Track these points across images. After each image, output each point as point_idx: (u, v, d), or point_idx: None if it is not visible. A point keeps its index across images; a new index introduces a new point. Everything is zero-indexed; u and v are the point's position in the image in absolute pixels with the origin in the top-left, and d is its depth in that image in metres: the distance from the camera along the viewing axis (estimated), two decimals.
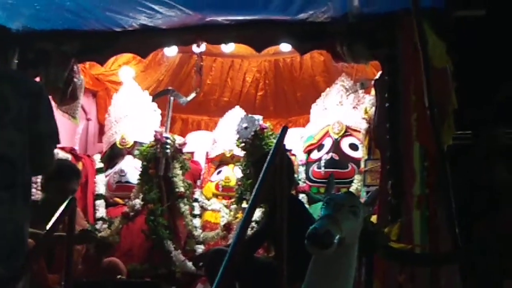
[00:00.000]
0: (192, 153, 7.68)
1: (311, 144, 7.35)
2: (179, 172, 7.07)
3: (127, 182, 7.28)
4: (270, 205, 5.59)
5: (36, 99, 4.12)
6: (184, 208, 6.99)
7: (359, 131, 7.08)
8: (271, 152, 4.40)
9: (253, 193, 4.10)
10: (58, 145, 6.62)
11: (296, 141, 7.44)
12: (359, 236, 3.96)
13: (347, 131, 7.20)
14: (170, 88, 7.63)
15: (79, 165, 7.22)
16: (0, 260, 3.90)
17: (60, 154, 6.97)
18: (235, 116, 7.47)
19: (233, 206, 7.07)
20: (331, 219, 3.64)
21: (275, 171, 4.38)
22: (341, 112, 7.30)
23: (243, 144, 7.09)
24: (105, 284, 5.55)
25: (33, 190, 6.47)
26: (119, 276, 6.06)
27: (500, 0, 6.20)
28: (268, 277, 4.67)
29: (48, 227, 4.38)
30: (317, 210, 5.82)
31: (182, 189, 7.02)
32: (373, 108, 6.24)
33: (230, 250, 3.71)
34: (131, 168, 7.33)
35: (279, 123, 7.92)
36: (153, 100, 7.62)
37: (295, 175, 6.85)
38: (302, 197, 6.98)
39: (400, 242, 5.19)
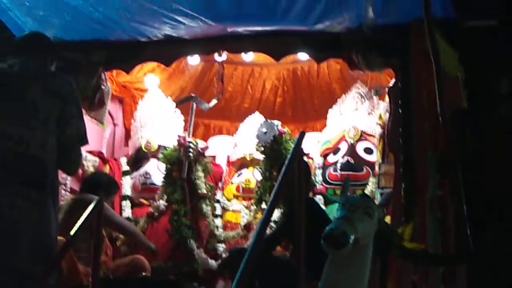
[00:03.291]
0: (214, 156, 7.68)
1: (328, 148, 7.35)
2: (201, 174, 7.07)
3: (152, 184, 7.29)
4: (288, 206, 5.61)
5: (66, 101, 4.14)
6: (206, 208, 6.99)
7: (373, 136, 7.08)
8: (289, 156, 4.41)
9: (272, 195, 4.11)
10: (87, 149, 6.80)
11: (313, 145, 7.44)
12: (374, 236, 3.96)
13: (362, 136, 7.20)
14: (193, 95, 7.64)
15: (106, 168, 7.29)
16: (40, 260, 3.93)
17: (88, 157, 7.03)
18: (255, 122, 7.49)
19: (253, 207, 7.09)
20: (346, 220, 3.64)
21: (293, 174, 4.39)
22: (356, 117, 7.30)
23: (262, 148, 7.11)
24: (130, 282, 5.55)
25: (63, 191, 6.61)
26: (143, 274, 6.08)
27: None
28: (287, 275, 4.68)
29: (77, 225, 4.39)
30: (333, 211, 5.80)
31: (204, 191, 7.02)
32: (387, 114, 6.24)
33: (250, 249, 3.73)
34: (155, 170, 7.34)
35: (297, 128, 7.91)
36: (176, 107, 7.64)
37: (312, 178, 6.86)
38: (319, 198, 6.98)
39: (413, 242, 5.18)
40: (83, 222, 4.43)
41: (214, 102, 7.49)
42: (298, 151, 4.54)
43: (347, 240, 3.55)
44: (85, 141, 4.28)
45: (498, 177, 5.27)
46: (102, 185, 6.24)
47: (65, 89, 4.20)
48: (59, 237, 4.51)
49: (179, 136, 7.12)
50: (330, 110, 7.59)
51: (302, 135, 4.64)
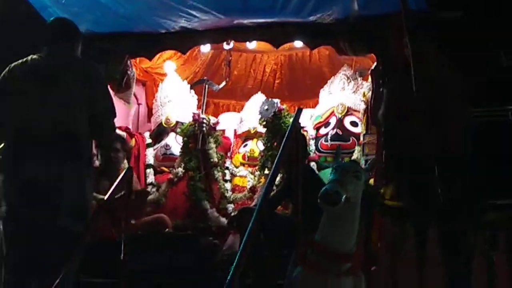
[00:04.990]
0: (223, 130, 7.66)
1: (320, 122, 7.33)
2: (213, 145, 7.08)
3: (171, 154, 7.29)
4: (288, 171, 5.63)
5: (93, 83, 4.17)
6: (218, 174, 7.01)
7: (358, 111, 7.04)
8: (288, 129, 4.42)
9: (275, 162, 4.13)
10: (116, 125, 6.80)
11: (307, 119, 7.43)
12: (361, 196, 3.99)
13: (349, 111, 7.17)
14: (205, 78, 7.65)
15: (132, 141, 7.30)
16: (77, 219, 3.98)
17: (117, 132, 7.02)
18: (257, 100, 7.47)
19: (257, 173, 7.07)
20: (338, 182, 3.67)
21: (292, 144, 4.40)
22: (343, 95, 7.27)
23: (264, 123, 7.09)
24: (155, 236, 5.59)
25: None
26: (167, 230, 6.11)
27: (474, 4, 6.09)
28: (288, 229, 4.72)
29: (110, 191, 4.41)
30: (325, 175, 5.83)
31: (215, 159, 7.03)
32: (370, 92, 6.24)
33: (258, 207, 3.76)
34: (174, 142, 7.34)
35: (293, 106, 7.89)
36: (191, 88, 7.62)
37: (308, 148, 6.86)
38: (313, 165, 6.97)
39: (392, 200, 5.21)
40: (115, 188, 4.45)
41: (223, 84, 7.53)
42: (296, 125, 4.55)
43: (340, 198, 3.58)
44: (113, 114, 4.30)
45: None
46: None
47: (91, 73, 4.24)
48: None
49: (193, 113, 7.12)
50: (321, 90, 7.57)
51: (299, 111, 4.64)
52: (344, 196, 3.60)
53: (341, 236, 3.75)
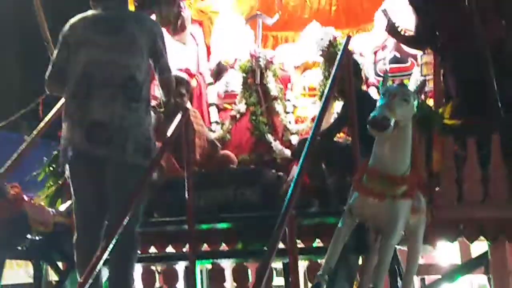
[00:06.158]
0: (281, 63, 7.68)
1: (377, 46, 7.27)
2: (272, 79, 7.15)
3: (232, 91, 7.39)
4: (344, 98, 5.67)
5: (156, 37, 4.39)
6: (279, 107, 7.08)
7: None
8: (338, 56, 4.46)
9: (326, 90, 4.20)
10: (176, 67, 6.94)
11: (365, 44, 7.37)
12: (415, 118, 4.02)
13: (406, 32, 7.05)
14: (257, 12, 7.68)
15: (194, 82, 7.39)
16: (143, 156, 4.15)
17: (178, 73, 7.13)
18: (313, 29, 7.44)
19: (318, 102, 7.12)
20: (386, 106, 3.69)
21: (343, 71, 4.45)
22: (399, 16, 7.14)
23: (321, 52, 7.09)
24: (220, 173, 5.73)
25: None
26: (231, 166, 6.25)
27: None
28: (346, 155, 4.82)
29: (168, 134, 4.53)
30: None
31: (275, 93, 7.11)
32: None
33: (310, 137, 3.86)
34: (234, 79, 7.43)
35: (351, 31, 7.82)
36: (246, 23, 7.66)
37: (361, 73, 6.81)
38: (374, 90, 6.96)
39: (452, 119, 5.21)
40: (173, 130, 4.58)
41: (276, 17, 7.52)
42: (346, 51, 4.58)
43: (388, 123, 3.60)
44: (171, 69, 4.49)
45: None
46: None
47: (153, 26, 4.47)
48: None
49: (250, 50, 7.18)
50: (376, 12, 7.47)
51: (348, 39, 4.67)
52: (393, 120, 3.63)
53: (393, 160, 3.79)
